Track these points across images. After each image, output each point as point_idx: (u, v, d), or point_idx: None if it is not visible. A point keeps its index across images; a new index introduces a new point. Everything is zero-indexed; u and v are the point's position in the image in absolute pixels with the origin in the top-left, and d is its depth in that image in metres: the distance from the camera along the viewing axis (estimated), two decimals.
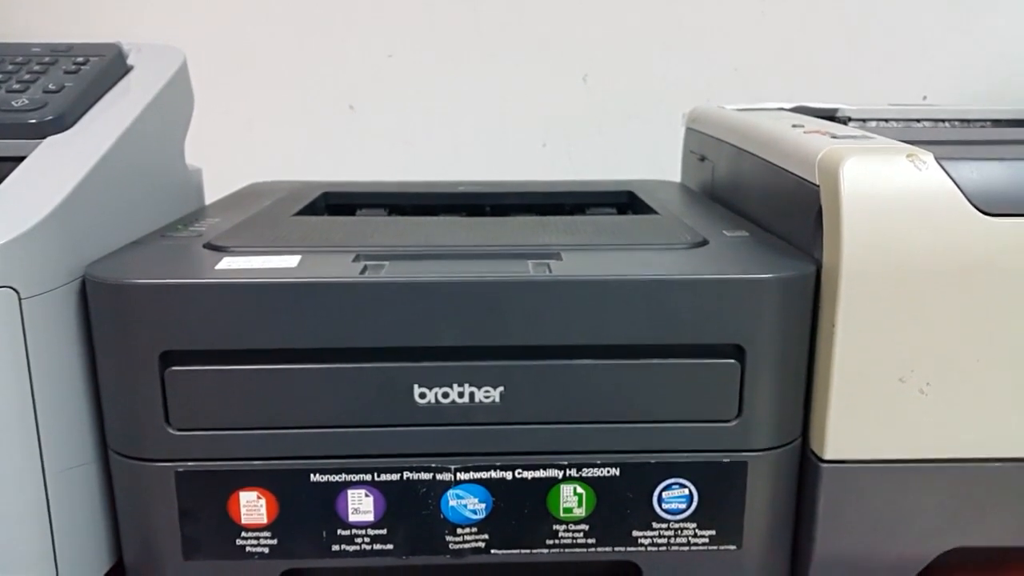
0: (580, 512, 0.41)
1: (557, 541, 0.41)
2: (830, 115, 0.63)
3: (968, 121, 0.63)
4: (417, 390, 0.39)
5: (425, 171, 0.79)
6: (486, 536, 0.41)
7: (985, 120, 0.63)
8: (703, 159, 0.64)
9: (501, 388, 0.39)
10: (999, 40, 0.85)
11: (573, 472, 0.40)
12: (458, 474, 0.40)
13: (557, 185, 0.67)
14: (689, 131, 0.69)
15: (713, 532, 0.41)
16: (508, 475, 0.40)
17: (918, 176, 0.38)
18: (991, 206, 0.38)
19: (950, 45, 0.85)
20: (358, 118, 0.86)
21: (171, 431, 0.39)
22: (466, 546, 0.41)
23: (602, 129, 0.86)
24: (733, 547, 0.41)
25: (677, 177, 0.73)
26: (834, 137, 0.44)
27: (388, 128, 0.86)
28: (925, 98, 0.85)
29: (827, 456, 0.40)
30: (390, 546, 0.41)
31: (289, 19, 0.83)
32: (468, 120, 0.86)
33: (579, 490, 0.40)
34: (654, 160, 0.83)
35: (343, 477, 0.40)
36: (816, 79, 0.85)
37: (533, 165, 0.86)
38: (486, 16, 0.84)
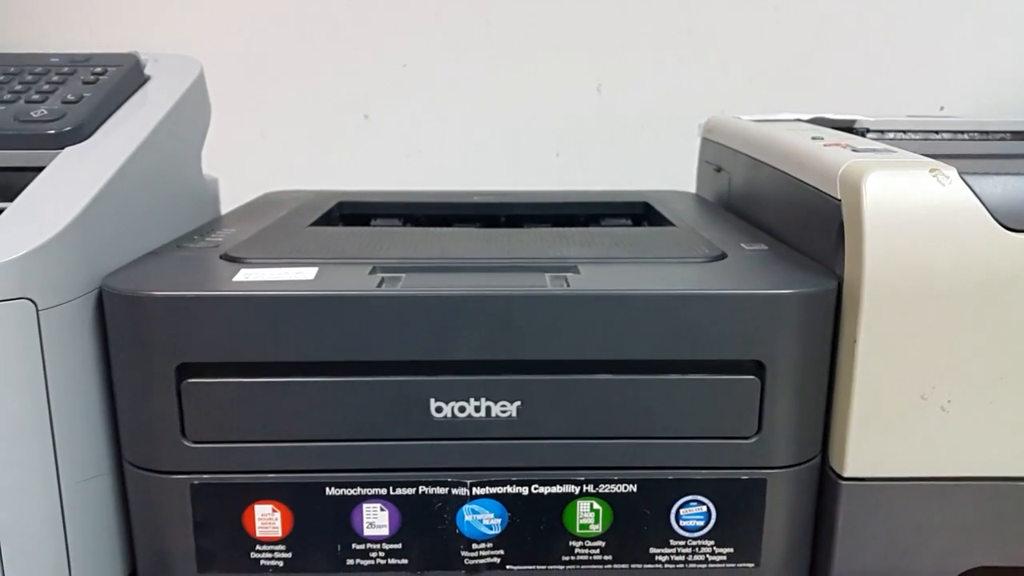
0: (597, 528, 0.40)
1: (573, 557, 0.41)
2: (848, 126, 0.62)
3: (987, 133, 0.62)
4: (433, 404, 0.38)
5: (439, 180, 0.79)
6: (501, 551, 0.40)
7: (1004, 132, 0.63)
8: (719, 170, 0.64)
9: (518, 403, 0.38)
10: (1015, 50, 0.85)
11: (590, 488, 0.40)
12: (474, 489, 0.40)
13: (571, 195, 0.67)
14: (705, 141, 0.69)
15: (731, 550, 0.41)
16: (524, 490, 0.40)
17: (941, 191, 0.38)
18: (1015, 221, 0.37)
19: (966, 55, 0.85)
20: (373, 127, 0.86)
21: (187, 443, 0.39)
22: (481, 561, 0.41)
23: (615, 139, 0.86)
24: (751, 565, 0.41)
25: (690, 187, 0.73)
26: (855, 151, 0.43)
27: (402, 137, 0.86)
28: (942, 108, 0.85)
29: (847, 473, 0.40)
30: (405, 560, 0.40)
31: (304, 29, 0.84)
32: (482, 129, 0.86)
33: (596, 506, 0.40)
34: (667, 170, 0.82)
35: (358, 491, 0.39)
36: (831, 89, 0.84)
37: (546, 174, 0.86)
38: (500, 26, 0.84)
